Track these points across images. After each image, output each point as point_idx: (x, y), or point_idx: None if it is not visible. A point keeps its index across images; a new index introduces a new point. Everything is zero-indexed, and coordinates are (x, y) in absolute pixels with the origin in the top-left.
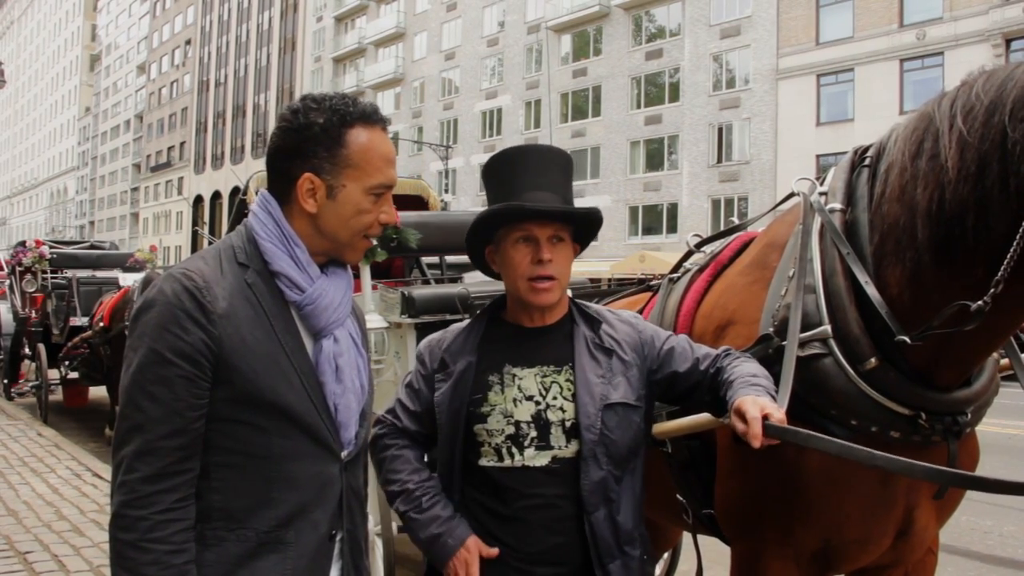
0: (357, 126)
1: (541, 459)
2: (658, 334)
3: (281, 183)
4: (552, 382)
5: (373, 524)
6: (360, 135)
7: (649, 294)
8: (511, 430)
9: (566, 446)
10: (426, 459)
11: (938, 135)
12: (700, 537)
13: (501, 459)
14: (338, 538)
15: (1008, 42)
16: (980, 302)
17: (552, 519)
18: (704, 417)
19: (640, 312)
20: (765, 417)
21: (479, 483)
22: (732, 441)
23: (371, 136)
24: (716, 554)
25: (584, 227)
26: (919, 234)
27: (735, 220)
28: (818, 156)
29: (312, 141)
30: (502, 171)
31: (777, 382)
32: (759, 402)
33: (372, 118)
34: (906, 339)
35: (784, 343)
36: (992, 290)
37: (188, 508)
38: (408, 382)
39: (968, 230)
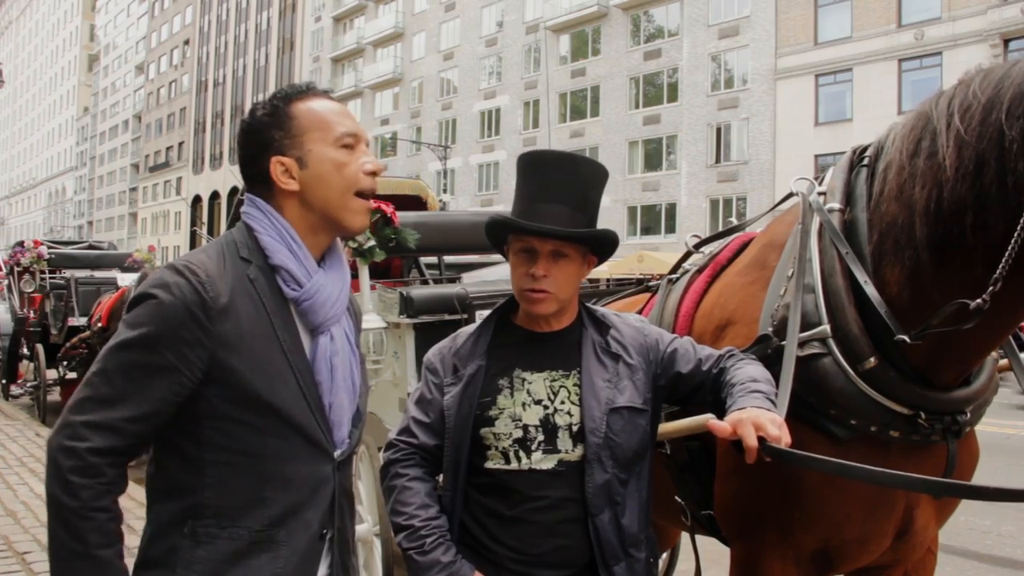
0: (296, 100)
1: (547, 462)
2: (662, 337)
3: (258, 182)
4: (560, 386)
5: (372, 524)
6: (303, 103)
7: (648, 295)
8: (519, 434)
9: (572, 450)
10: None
11: (936, 134)
12: (699, 537)
13: (508, 462)
14: (328, 537)
15: (1006, 42)
16: (979, 300)
17: (556, 521)
18: (705, 418)
19: (639, 313)
20: (761, 438)
21: (483, 485)
22: (731, 443)
23: (315, 101)
24: (715, 554)
25: (600, 245)
26: (917, 233)
27: (734, 220)
28: (816, 156)
29: (266, 130)
30: (528, 172)
31: (777, 383)
32: (755, 420)
33: (311, 90)
34: (905, 338)
35: (783, 343)
36: (991, 288)
37: (126, 478)
38: (419, 396)
39: (966, 228)
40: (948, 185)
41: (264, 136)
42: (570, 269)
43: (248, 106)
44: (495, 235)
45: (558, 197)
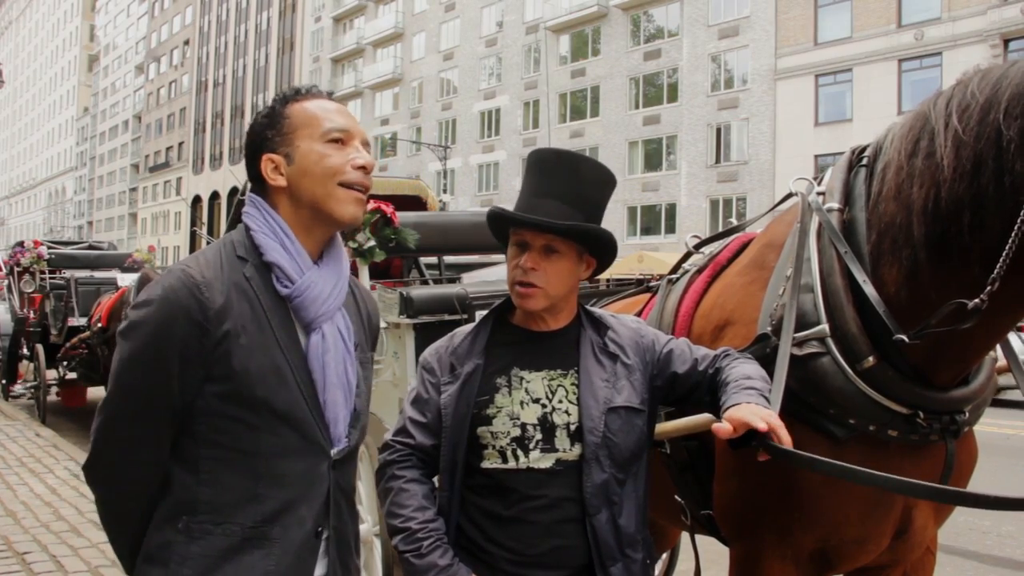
0: (293, 102)
1: (545, 461)
2: (659, 338)
3: (256, 181)
4: (558, 385)
5: (372, 524)
6: (298, 104)
7: (648, 295)
8: (517, 432)
9: (570, 449)
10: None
11: (934, 134)
12: (698, 537)
13: (505, 461)
14: (324, 535)
15: (1006, 42)
16: (976, 300)
17: (554, 521)
18: (703, 417)
19: (639, 313)
20: (765, 435)
21: (479, 486)
22: (728, 442)
23: (310, 102)
24: (715, 554)
25: (594, 243)
26: (915, 232)
27: (734, 221)
28: (816, 156)
29: (262, 130)
30: (534, 169)
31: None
32: (755, 413)
33: (310, 91)
34: (904, 337)
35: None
36: (988, 288)
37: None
38: (415, 396)
39: (964, 228)
40: (946, 185)
41: (259, 136)
42: (562, 266)
43: (248, 106)
44: (497, 229)
45: (556, 193)
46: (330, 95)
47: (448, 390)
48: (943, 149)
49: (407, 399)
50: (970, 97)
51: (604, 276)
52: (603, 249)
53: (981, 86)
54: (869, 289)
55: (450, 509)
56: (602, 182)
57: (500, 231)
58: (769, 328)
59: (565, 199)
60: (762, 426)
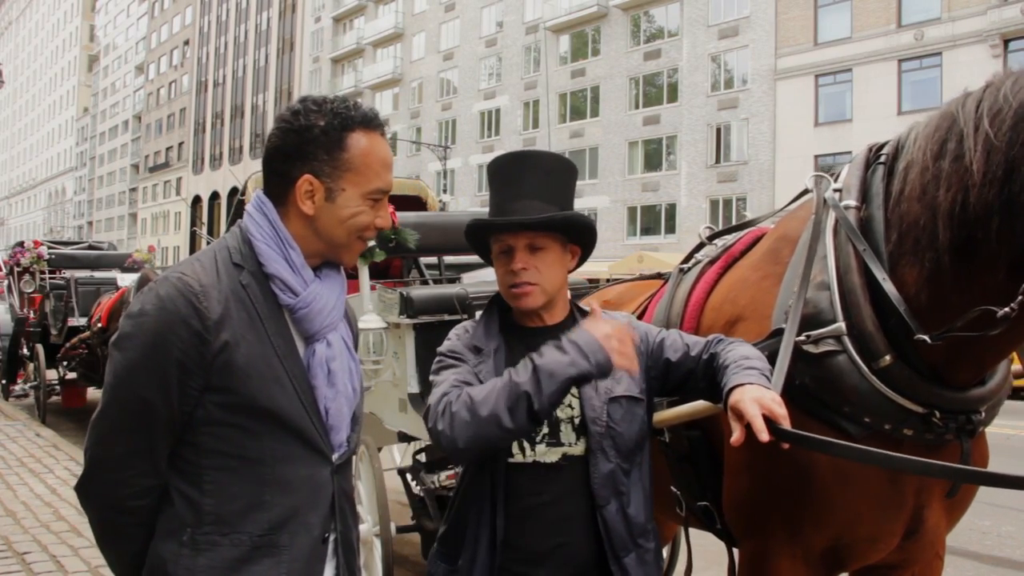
0: (358, 130)
1: (552, 455)
2: (651, 330)
3: (278, 184)
4: None
5: (372, 524)
6: (360, 139)
7: (660, 282)
8: None
9: (575, 443)
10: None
11: (963, 136)
12: (703, 537)
13: (511, 454)
14: (331, 539)
15: (1006, 43)
16: (1007, 309)
17: (560, 517)
18: (701, 404)
19: (650, 299)
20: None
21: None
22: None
23: (371, 141)
24: (716, 554)
25: (574, 231)
26: (940, 235)
27: (746, 217)
28: (816, 156)
29: (312, 143)
30: (496, 177)
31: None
32: (758, 400)
33: (372, 123)
34: (926, 338)
35: (799, 339)
36: (1020, 297)
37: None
38: (454, 376)
39: (992, 233)
40: (975, 189)
41: (306, 148)
42: (550, 259)
43: (248, 106)
44: (478, 243)
45: (525, 193)
46: (384, 130)
47: (483, 368)
48: (972, 153)
49: (444, 384)
50: (1003, 101)
51: (604, 277)
52: (582, 234)
53: (1014, 90)
54: (890, 287)
55: (483, 502)
56: (564, 170)
57: (481, 244)
58: (784, 324)
59: (537, 196)
60: (764, 437)
